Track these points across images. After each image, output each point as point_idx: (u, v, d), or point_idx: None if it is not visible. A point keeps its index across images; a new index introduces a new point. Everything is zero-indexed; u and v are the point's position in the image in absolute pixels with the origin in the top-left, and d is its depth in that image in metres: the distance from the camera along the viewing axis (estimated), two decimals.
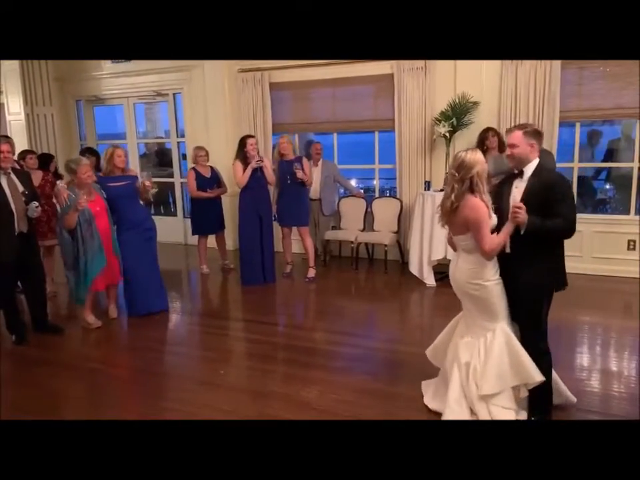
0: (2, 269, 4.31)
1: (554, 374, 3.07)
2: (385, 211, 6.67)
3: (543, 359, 2.91)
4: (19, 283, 4.79)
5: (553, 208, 2.73)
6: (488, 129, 5.80)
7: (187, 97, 7.87)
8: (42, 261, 4.79)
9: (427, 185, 6.17)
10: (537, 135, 2.91)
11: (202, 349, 4.50)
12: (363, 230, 6.75)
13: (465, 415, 3.00)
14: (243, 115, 7.38)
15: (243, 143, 5.89)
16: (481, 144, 5.72)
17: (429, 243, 5.74)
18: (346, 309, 5.34)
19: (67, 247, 4.64)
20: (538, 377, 2.86)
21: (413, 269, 5.97)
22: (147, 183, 4.87)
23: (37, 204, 4.36)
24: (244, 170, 5.82)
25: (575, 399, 3.18)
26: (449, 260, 5.73)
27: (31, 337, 4.59)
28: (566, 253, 2.98)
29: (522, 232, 2.76)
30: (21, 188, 4.36)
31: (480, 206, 2.84)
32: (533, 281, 2.85)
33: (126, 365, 4.25)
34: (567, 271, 2.98)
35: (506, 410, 2.94)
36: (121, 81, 8.21)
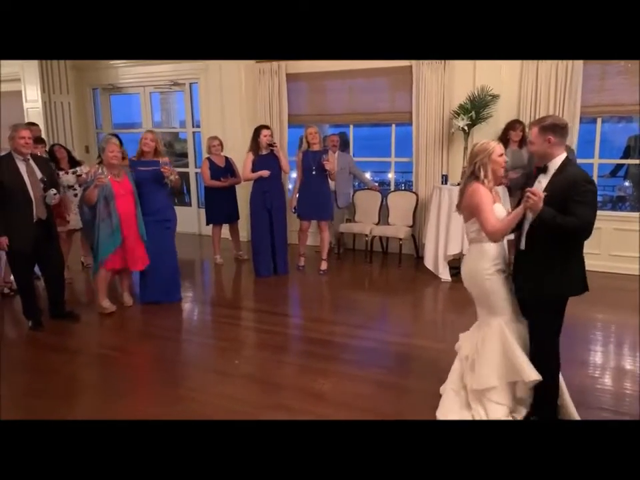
0: (20, 256, 4.35)
1: (563, 387, 2.94)
2: (401, 204, 6.63)
3: (548, 358, 2.79)
4: (36, 269, 4.83)
5: (569, 206, 2.56)
6: (517, 121, 5.70)
7: (203, 87, 7.86)
8: (60, 247, 4.80)
9: (444, 179, 6.11)
10: (553, 128, 2.65)
11: (216, 338, 4.51)
12: (378, 223, 6.71)
13: (459, 405, 3.03)
14: (259, 106, 7.36)
15: (257, 133, 5.86)
16: (505, 134, 5.63)
17: (445, 238, 5.70)
18: (359, 302, 5.33)
19: (88, 225, 4.73)
20: (533, 375, 2.76)
21: (428, 263, 5.93)
22: (162, 169, 4.86)
23: (54, 191, 4.37)
24: (254, 161, 5.79)
25: (577, 417, 2.95)
26: (465, 255, 5.78)
27: (47, 323, 4.63)
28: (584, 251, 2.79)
29: (531, 220, 2.61)
30: (39, 175, 4.36)
31: (481, 191, 2.85)
32: (540, 289, 2.72)
33: (140, 353, 4.26)
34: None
35: (499, 406, 2.92)
36: (138, 69, 8.21)
